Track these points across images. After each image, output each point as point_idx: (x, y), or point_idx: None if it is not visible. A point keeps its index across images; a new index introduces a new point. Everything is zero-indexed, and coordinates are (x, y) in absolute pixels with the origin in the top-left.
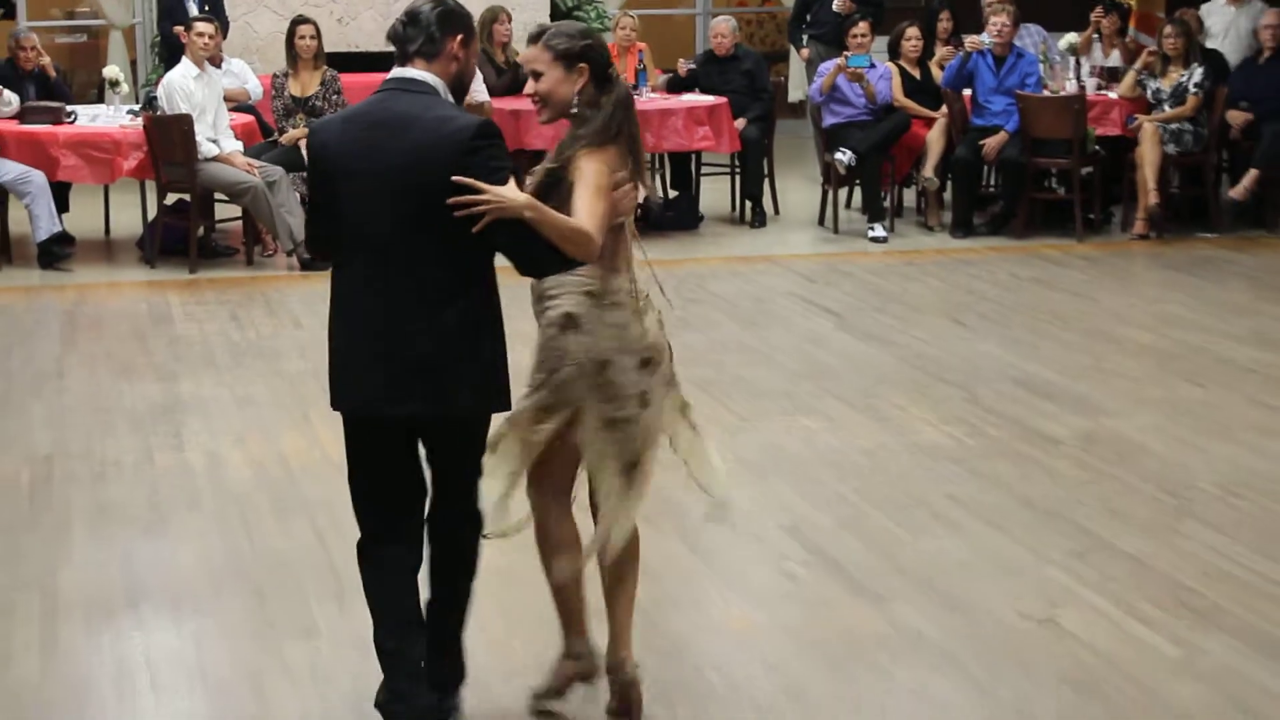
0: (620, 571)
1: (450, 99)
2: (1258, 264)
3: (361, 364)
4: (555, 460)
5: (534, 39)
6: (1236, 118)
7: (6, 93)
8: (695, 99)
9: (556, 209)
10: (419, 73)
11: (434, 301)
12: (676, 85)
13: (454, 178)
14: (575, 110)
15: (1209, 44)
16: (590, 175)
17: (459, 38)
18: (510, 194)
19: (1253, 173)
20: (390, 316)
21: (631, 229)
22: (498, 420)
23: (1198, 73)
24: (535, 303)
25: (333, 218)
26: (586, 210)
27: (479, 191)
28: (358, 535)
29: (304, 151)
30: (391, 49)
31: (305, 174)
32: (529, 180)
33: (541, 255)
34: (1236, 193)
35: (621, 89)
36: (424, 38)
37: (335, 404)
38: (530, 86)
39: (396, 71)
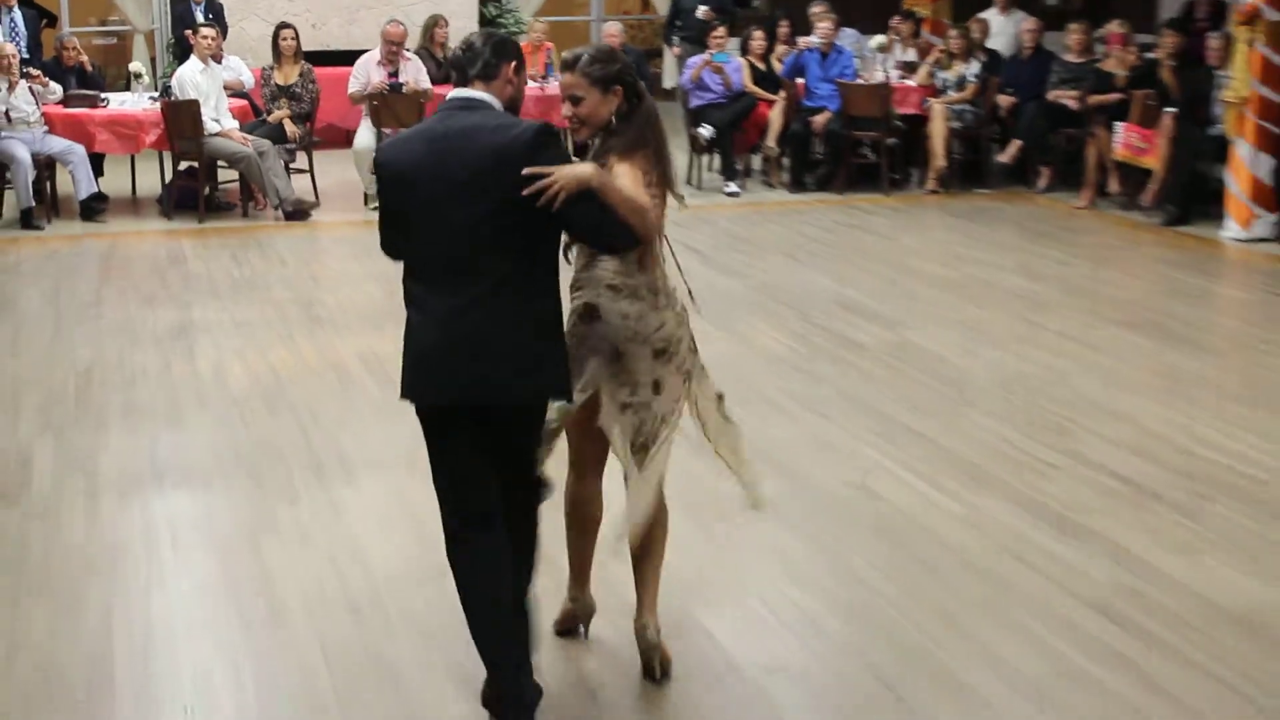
0: (647, 544)
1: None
2: (1021, 213)
3: (439, 360)
4: (585, 438)
5: (569, 66)
6: (1004, 101)
7: (52, 84)
8: None
9: None
10: (477, 92)
11: (506, 299)
12: None
13: (524, 170)
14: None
15: (987, 44)
16: (626, 173)
17: (512, 64)
18: (575, 166)
19: (1016, 143)
20: (465, 315)
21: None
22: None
23: (975, 66)
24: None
25: (401, 226)
26: (633, 193)
27: (547, 177)
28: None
29: (287, 128)
30: (356, 48)
31: (287, 145)
32: None
33: (615, 231)
34: (1004, 158)
35: (650, 105)
36: (481, 61)
37: (410, 395)
38: (568, 109)
39: (456, 92)
